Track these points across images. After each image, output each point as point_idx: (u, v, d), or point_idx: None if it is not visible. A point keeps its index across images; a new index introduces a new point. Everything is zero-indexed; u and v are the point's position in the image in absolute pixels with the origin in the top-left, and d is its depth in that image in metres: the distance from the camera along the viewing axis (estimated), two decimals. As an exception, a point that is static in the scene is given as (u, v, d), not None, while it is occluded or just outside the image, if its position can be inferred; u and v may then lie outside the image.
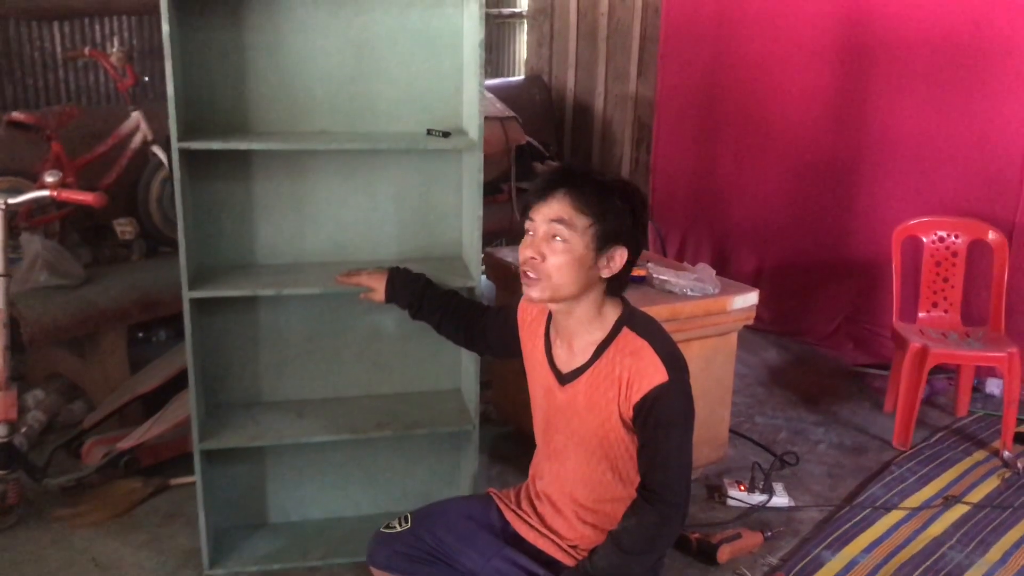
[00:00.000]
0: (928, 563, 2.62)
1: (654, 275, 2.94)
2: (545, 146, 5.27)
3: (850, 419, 3.60)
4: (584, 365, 1.84)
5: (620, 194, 1.79)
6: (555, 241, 1.76)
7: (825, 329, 4.33)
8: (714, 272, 2.99)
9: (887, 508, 2.91)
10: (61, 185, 2.61)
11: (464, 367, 2.63)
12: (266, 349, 2.56)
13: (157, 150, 3.90)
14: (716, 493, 2.97)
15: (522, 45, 6.41)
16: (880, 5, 3.95)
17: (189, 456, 2.41)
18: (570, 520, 1.94)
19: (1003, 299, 3.48)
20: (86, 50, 4.02)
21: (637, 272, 2.93)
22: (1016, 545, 2.72)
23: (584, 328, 1.84)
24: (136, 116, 3.90)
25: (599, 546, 1.85)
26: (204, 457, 2.37)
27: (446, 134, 2.39)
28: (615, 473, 1.87)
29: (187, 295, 2.24)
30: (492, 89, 5.21)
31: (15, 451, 2.70)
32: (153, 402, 3.12)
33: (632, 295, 1.92)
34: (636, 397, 1.76)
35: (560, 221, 1.75)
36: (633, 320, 1.84)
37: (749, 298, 2.96)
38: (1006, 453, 3.26)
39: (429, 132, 2.42)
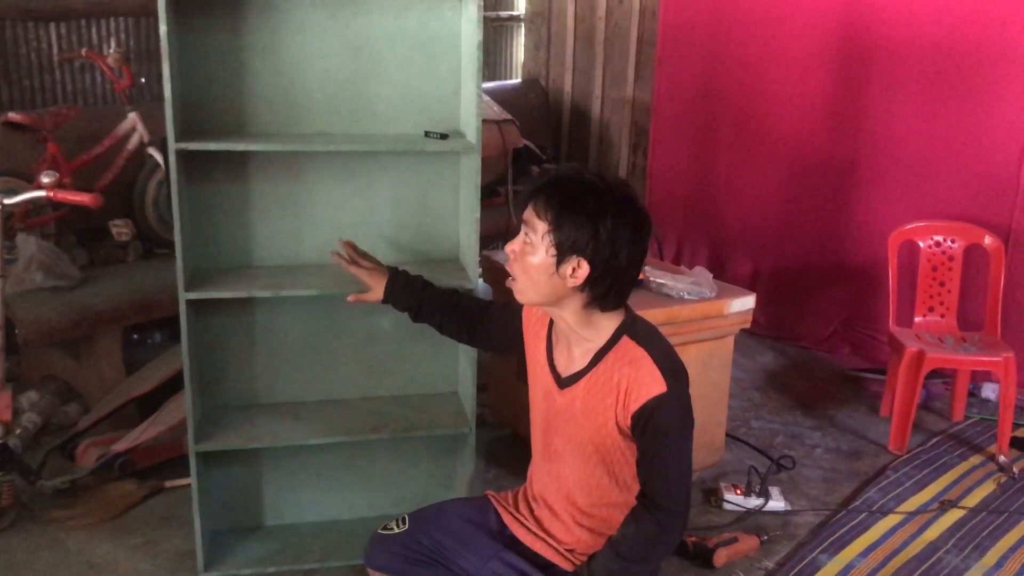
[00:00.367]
0: (924, 567, 2.62)
1: (651, 278, 2.94)
2: (542, 149, 5.28)
3: (846, 423, 3.61)
4: (583, 370, 1.84)
5: (594, 205, 1.71)
6: (524, 243, 1.78)
7: (822, 333, 4.34)
8: (711, 276, 3.00)
9: (883, 512, 2.91)
10: (57, 186, 2.61)
11: (461, 370, 2.62)
12: (262, 351, 2.55)
13: (154, 151, 3.90)
14: (712, 497, 2.96)
15: (519, 48, 6.42)
16: (876, 11, 3.96)
17: (184, 458, 2.40)
18: (566, 524, 1.93)
19: (999, 303, 3.48)
20: (82, 51, 4.02)
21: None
22: (1012, 549, 2.73)
23: (578, 334, 1.84)
24: (133, 117, 3.90)
25: (597, 552, 1.84)
26: (200, 459, 2.37)
27: (444, 136, 2.39)
28: (612, 478, 1.87)
29: (183, 296, 2.24)
30: (489, 92, 5.20)
31: (9, 453, 2.69)
32: (148, 404, 3.12)
33: (629, 298, 1.92)
34: (634, 407, 1.76)
35: (526, 223, 1.78)
36: (634, 329, 1.84)
37: (746, 302, 2.96)
38: (1002, 458, 3.26)
39: (427, 134, 2.41)
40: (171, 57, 2.11)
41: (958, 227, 3.60)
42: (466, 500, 2.18)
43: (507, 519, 2.02)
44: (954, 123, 3.78)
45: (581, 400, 1.84)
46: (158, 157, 3.87)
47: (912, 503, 2.98)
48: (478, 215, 2.39)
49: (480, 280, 2.51)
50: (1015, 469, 3.19)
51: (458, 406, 2.61)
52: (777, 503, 2.91)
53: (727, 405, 3.16)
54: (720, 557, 2.58)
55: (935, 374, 3.60)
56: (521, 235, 1.79)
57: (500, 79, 6.26)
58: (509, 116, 4.71)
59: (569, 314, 1.82)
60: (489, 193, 4.66)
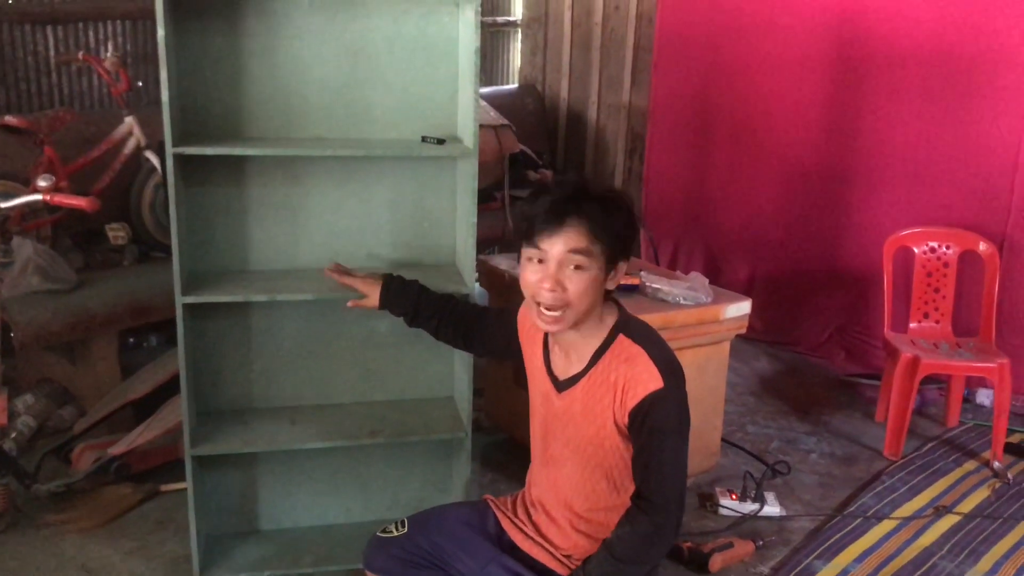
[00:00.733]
0: (919, 573, 2.62)
1: (647, 283, 2.94)
2: (538, 155, 5.29)
3: (841, 429, 3.61)
4: (581, 372, 1.84)
5: (625, 211, 1.78)
6: (573, 270, 1.73)
7: (817, 339, 4.35)
8: (707, 281, 3.00)
9: (878, 518, 2.91)
10: (53, 189, 2.61)
11: (457, 375, 2.62)
12: (259, 355, 2.55)
13: (150, 155, 3.90)
14: (708, 502, 2.97)
15: (516, 53, 6.42)
16: (871, 18, 3.98)
17: (180, 462, 2.40)
18: (564, 529, 1.93)
19: (994, 310, 3.49)
20: (80, 54, 4.02)
21: (631, 281, 2.94)
22: (1006, 555, 2.73)
23: (584, 337, 1.84)
24: (130, 121, 3.90)
25: (592, 555, 1.84)
26: (195, 463, 2.36)
27: (441, 141, 2.39)
28: (609, 482, 1.87)
29: (180, 300, 2.23)
30: (486, 97, 5.22)
31: (5, 456, 2.68)
32: (144, 408, 3.11)
33: (625, 304, 1.92)
34: (631, 404, 1.76)
35: (578, 251, 1.71)
36: (629, 327, 1.84)
37: (742, 307, 2.97)
38: (996, 463, 3.27)
39: (424, 139, 2.42)
40: (168, 61, 2.11)
41: (953, 233, 3.61)
42: (465, 504, 2.18)
43: (505, 524, 2.02)
44: (949, 130, 3.79)
45: (580, 402, 1.84)
46: (155, 161, 3.87)
47: (907, 508, 2.99)
48: (475, 220, 2.40)
49: (476, 285, 2.51)
50: (1009, 475, 3.20)
51: (454, 411, 2.61)
52: (772, 508, 2.91)
53: (723, 410, 3.16)
54: (716, 562, 2.58)
55: (930, 380, 3.60)
56: (560, 266, 1.72)
57: (497, 84, 6.27)
58: (506, 121, 4.72)
59: (590, 319, 1.82)
60: (485, 198, 4.66)
